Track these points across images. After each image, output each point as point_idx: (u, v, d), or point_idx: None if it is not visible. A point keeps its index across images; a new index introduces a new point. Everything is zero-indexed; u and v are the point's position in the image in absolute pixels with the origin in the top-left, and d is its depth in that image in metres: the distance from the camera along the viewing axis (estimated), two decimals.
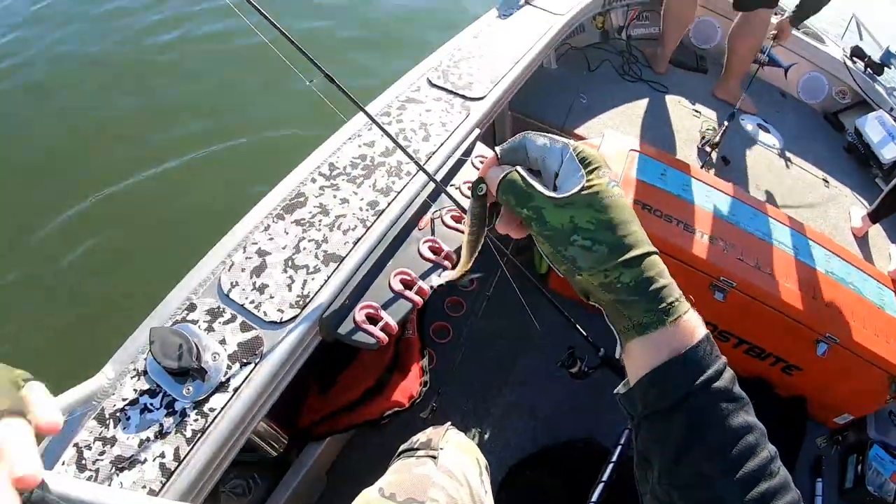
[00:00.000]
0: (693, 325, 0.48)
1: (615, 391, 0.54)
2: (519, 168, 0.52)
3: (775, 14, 2.91)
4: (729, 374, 0.48)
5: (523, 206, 0.50)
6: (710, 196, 1.95)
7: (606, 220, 0.48)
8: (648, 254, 0.48)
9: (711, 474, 0.45)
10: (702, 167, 2.23)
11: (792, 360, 1.89)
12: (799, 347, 1.81)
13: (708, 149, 2.51)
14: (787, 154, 2.75)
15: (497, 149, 0.54)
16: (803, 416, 1.97)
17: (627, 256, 0.47)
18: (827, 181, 2.66)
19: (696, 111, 2.80)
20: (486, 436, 1.77)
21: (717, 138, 2.48)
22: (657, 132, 2.60)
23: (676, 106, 2.81)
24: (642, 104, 2.75)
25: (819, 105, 3.24)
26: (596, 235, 0.48)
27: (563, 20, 2.20)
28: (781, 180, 2.57)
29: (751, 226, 1.90)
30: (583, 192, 0.48)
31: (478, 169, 1.50)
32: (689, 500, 0.47)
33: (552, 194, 0.49)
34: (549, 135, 0.52)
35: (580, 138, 2.27)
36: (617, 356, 0.54)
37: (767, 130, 2.68)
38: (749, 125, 2.83)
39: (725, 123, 2.49)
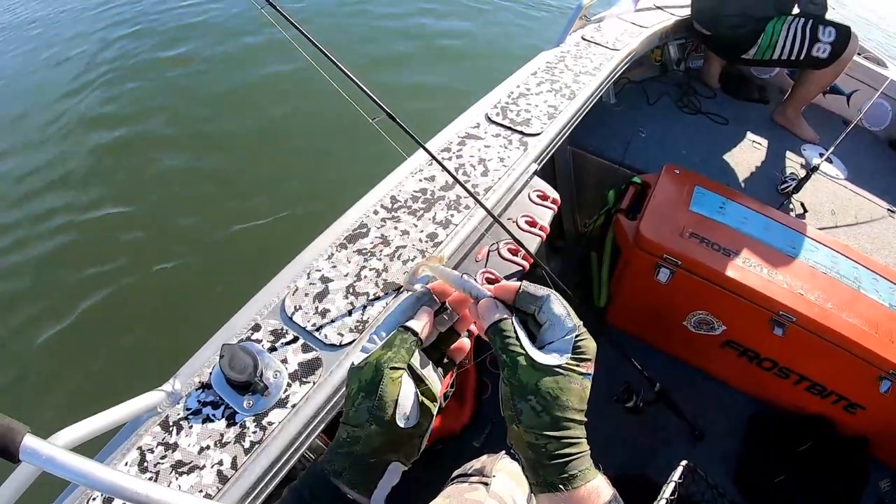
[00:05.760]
0: (597, 491, 0.53)
1: None
2: (514, 319, 0.58)
3: (859, 54, 2.83)
4: None
5: (504, 352, 0.56)
6: (770, 229, 1.92)
7: (564, 401, 0.53)
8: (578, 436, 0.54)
9: None
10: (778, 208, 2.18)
11: (854, 398, 1.81)
12: (861, 385, 1.74)
13: (785, 196, 2.44)
14: (851, 184, 2.65)
15: (522, 286, 0.60)
16: (866, 458, 1.87)
17: (560, 434, 0.53)
18: (892, 212, 2.54)
19: (757, 143, 2.75)
20: None
21: (794, 185, 2.41)
22: (716, 164, 2.56)
23: (736, 137, 2.76)
24: (702, 136, 2.72)
25: (883, 132, 3.11)
26: (548, 406, 0.53)
27: (621, 55, 2.22)
28: (845, 211, 2.48)
29: (812, 259, 1.85)
30: (558, 368, 0.54)
31: (535, 203, 1.53)
32: None
33: (534, 355, 0.55)
34: (569, 307, 0.58)
35: (640, 172, 2.27)
36: None
37: (830, 160, 2.59)
38: (811, 155, 2.75)
39: (805, 171, 2.42)
